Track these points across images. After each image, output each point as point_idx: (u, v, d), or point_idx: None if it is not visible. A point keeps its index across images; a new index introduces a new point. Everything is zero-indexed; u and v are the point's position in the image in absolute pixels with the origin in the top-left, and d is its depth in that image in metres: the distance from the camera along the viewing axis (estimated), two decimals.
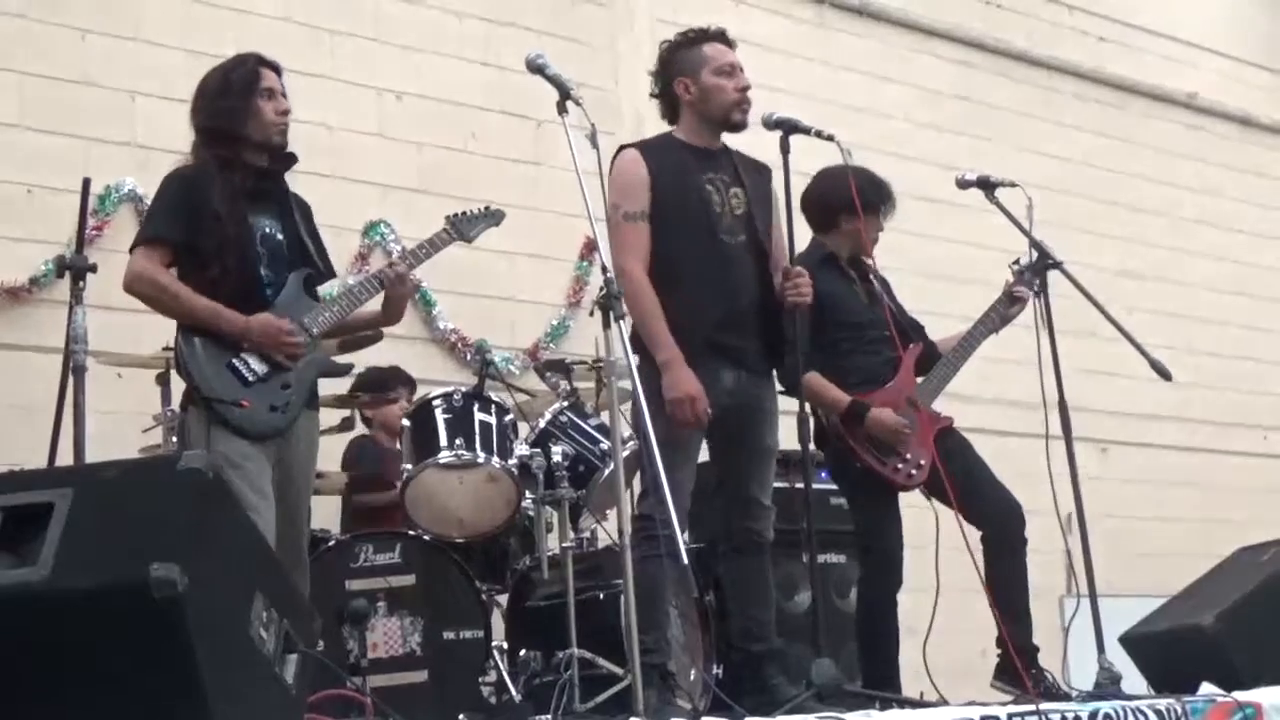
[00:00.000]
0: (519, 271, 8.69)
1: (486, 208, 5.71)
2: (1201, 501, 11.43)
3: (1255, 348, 12.54)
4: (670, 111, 5.45)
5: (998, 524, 5.70)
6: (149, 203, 5.32)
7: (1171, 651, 5.68)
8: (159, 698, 3.17)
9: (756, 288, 5.29)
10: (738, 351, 5.21)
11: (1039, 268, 5.92)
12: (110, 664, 3.16)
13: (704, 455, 5.41)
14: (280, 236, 5.05)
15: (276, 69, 5.09)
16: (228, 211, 4.84)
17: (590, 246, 8.46)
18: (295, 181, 5.25)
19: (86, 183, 5.32)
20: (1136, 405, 10.98)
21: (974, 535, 5.67)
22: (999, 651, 5.74)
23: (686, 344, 5.09)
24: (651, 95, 5.46)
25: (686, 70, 5.36)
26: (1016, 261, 6.17)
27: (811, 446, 5.35)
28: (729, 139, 5.49)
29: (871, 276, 5.97)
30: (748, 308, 5.25)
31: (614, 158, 5.15)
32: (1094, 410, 9.76)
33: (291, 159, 5.11)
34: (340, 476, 6.63)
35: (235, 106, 4.94)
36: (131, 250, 4.91)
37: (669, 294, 5.11)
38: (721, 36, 5.44)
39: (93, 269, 5.07)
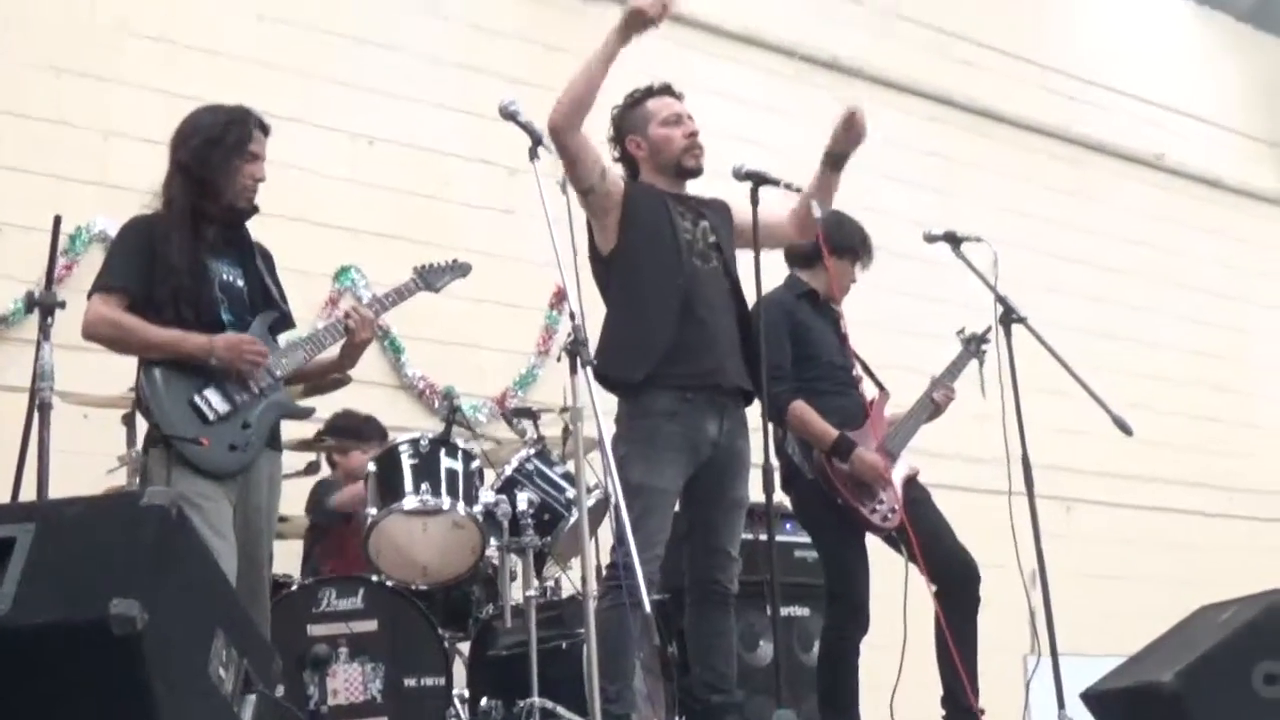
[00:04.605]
0: (488, 319, 8.69)
1: (454, 261, 5.75)
2: (1166, 561, 11.45)
3: (1221, 408, 12.63)
4: (630, 171, 5.52)
5: (953, 583, 5.72)
6: None
7: (1132, 708, 5.66)
8: None
9: (731, 312, 5.34)
10: (717, 379, 5.22)
11: (987, 334, 6.01)
12: (69, 700, 3.14)
13: None
14: (241, 283, 5.05)
15: (267, 131, 5.10)
16: (186, 263, 4.85)
17: (560, 295, 8.49)
18: (266, 224, 5.24)
19: (58, 220, 5.32)
20: (1102, 464, 11.02)
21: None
22: (944, 713, 5.76)
23: (672, 389, 5.13)
24: (614, 159, 5.51)
25: (635, 128, 5.48)
26: (962, 330, 6.24)
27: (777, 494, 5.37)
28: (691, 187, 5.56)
29: (841, 322, 6.03)
30: (722, 331, 5.28)
31: None
32: (1060, 468, 9.81)
33: (254, 208, 5.11)
34: (303, 521, 6.61)
35: (220, 161, 4.95)
36: (89, 297, 4.92)
37: (647, 322, 5.18)
38: (666, 90, 5.54)
39: (61, 305, 5.07)
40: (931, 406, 6.11)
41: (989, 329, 5.98)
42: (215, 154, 4.96)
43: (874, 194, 10.08)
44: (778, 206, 5.54)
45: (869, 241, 6.10)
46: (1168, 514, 11.81)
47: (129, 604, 3.07)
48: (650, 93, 5.51)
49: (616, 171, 5.40)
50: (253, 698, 3.52)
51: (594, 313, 5.10)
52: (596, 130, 5.35)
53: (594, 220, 5.33)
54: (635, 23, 5.16)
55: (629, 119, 5.49)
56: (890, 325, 9.48)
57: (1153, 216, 12.78)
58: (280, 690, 4.03)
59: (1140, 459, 10.96)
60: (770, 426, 5.38)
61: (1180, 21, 14.00)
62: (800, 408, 5.75)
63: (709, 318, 5.25)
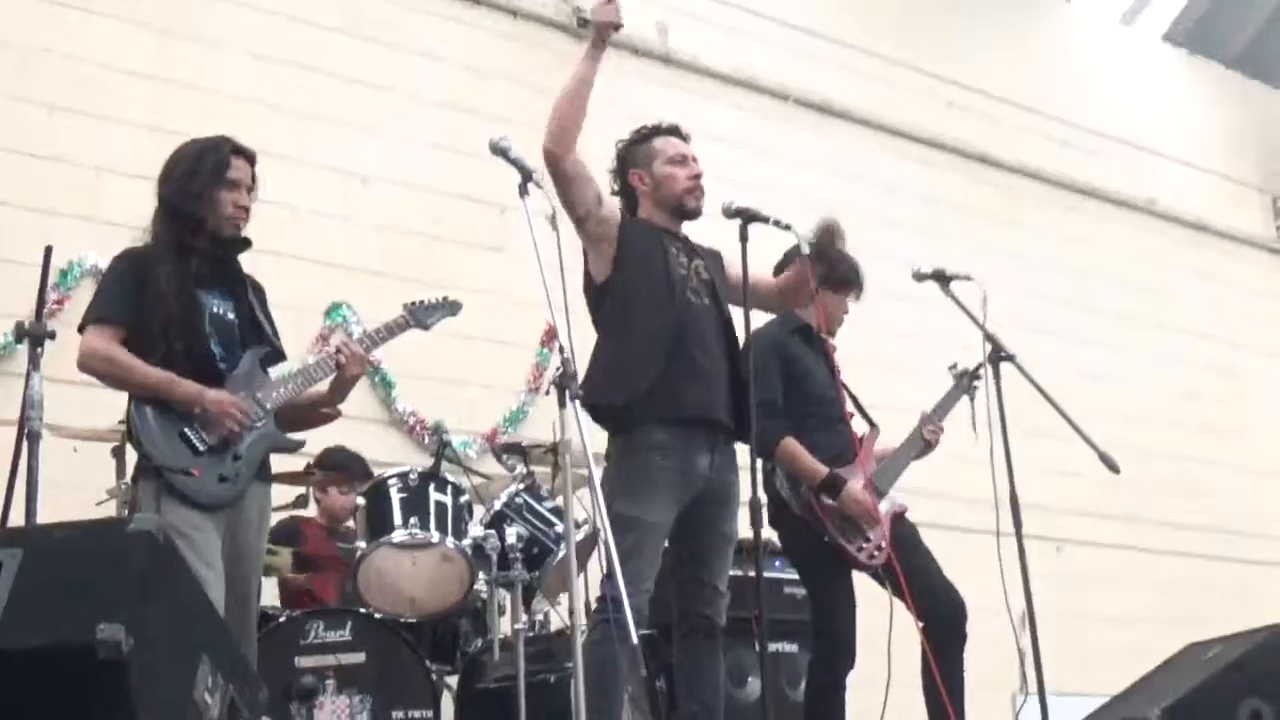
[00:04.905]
0: (479, 356, 8.71)
1: (445, 298, 5.74)
2: (1156, 602, 11.47)
3: (1210, 450, 12.66)
4: (629, 205, 5.54)
5: (940, 618, 5.74)
6: None
7: None
8: None
9: (722, 349, 5.35)
10: (702, 412, 5.24)
11: (980, 369, 6.02)
12: None
13: None
14: (231, 316, 5.06)
15: (250, 158, 5.11)
16: (175, 292, 4.86)
17: (551, 333, 8.51)
18: (258, 261, 5.26)
19: (48, 250, 5.35)
20: (1091, 505, 11.04)
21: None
22: None
23: (661, 423, 5.13)
24: (613, 192, 5.55)
25: (640, 163, 5.50)
26: (954, 365, 6.26)
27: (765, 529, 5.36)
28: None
29: (833, 355, 6.06)
30: (712, 365, 5.29)
31: None
32: (1049, 509, 9.81)
33: (246, 242, 5.13)
34: (289, 556, 6.59)
35: (198, 191, 4.96)
36: (81, 330, 4.94)
37: (637, 351, 5.18)
38: (674, 130, 5.57)
39: (51, 336, 5.09)
40: (921, 444, 6.12)
41: (980, 365, 5.99)
42: (194, 185, 4.97)
43: (865, 236, 10.05)
44: (767, 275, 5.63)
45: (861, 273, 6.13)
46: (1157, 555, 11.83)
47: (115, 628, 3.09)
48: (659, 131, 5.55)
49: (613, 202, 5.42)
50: None
51: (584, 349, 5.12)
52: (598, 160, 5.38)
53: (589, 247, 5.35)
54: (603, 32, 5.24)
55: (635, 153, 5.52)
56: (880, 364, 9.49)
57: (1143, 260, 12.85)
58: None
59: (1129, 500, 11.02)
60: (760, 461, 5.39)
61: (1171, 68, 14.11)
62: (790, 444, 5.76)
63: (699, 352, 5.26)
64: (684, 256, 5.41)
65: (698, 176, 5.48)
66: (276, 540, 6.62)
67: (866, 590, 5.92)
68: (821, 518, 5.76)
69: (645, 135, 5.55)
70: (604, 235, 5.30)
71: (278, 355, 5.22)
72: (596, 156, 5.46)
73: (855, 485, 5.79)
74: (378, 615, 5.80)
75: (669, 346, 5.19)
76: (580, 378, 4.74)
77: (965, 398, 6.18)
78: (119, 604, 3.16)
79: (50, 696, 3.15)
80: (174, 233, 4.97)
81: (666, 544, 5.25)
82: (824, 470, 5.77)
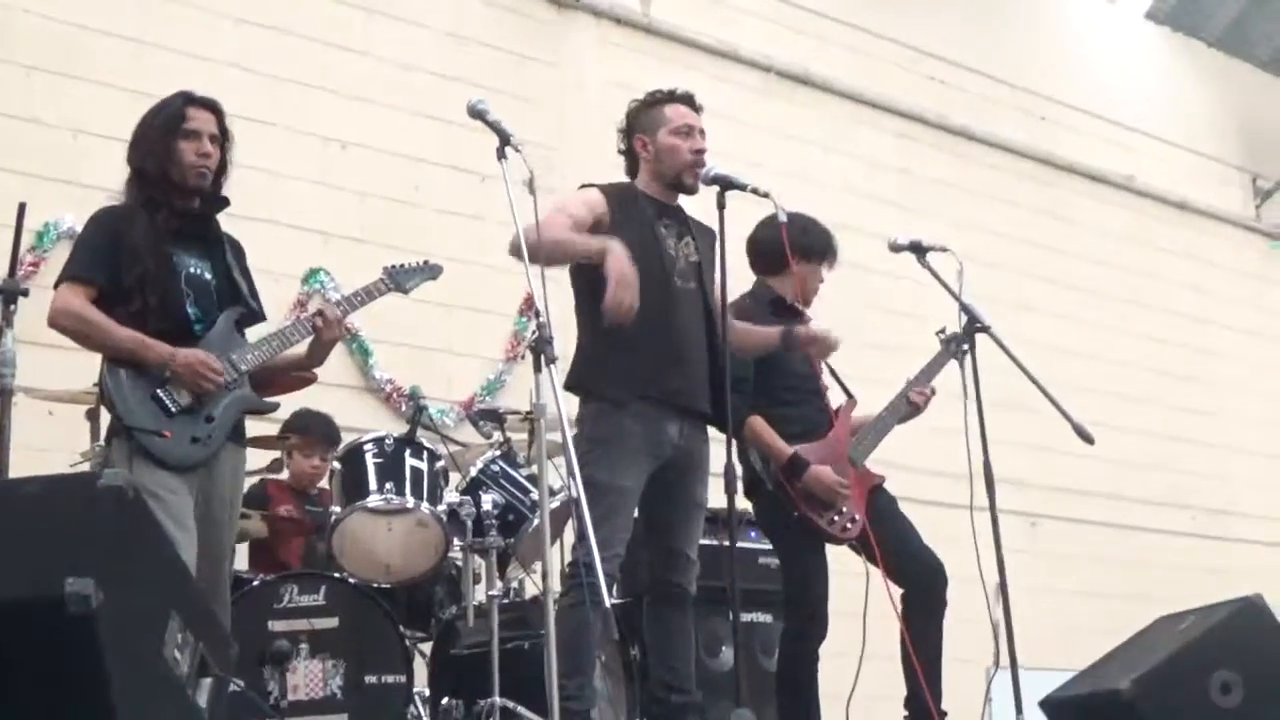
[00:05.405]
0: (457, 324, 8.72)
1: (425, 261, 5.72)
2: (1129, 579, 11.50)
3: (1185, 428, 12.70)
4: (631, 168, 5.53)
5: (919, 584, 5.76)
6: None
7: (1090, 715, 5.71)
8: (67, 715, 3.15)
9: (703, 334, 5.33)
10: (683, 400, 5.23)
11: (965, 337, 5.99)
12: (22, 677, 3.15)
13: None
14: (208, 276, 5.04)
15: (212, 108, 5.08)
16: (149, 249, 4.85)
17: (529, 302, 8.49)
18: (237, 225, 5.25)
19: (22, 207, 5.33)
20: (1068, 481, 11.07)
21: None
22: (906, 714, 5.77)
23: (635, 392, 5.14)
24: (619, 151, 5.52)
25: (646, 128, 5.47)
26: (943, 330, 6.24)
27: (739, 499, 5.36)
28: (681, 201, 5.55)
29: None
30: (694, 351, 5.29)
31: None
32: (1025, 484, 9.84)
33: (223, 201, 5.12)
34: (261, 521, 6.58)
35: (156, 148, 4.96)
36: (55, 287, 4.92)
37: (633, 344, 5.13)
38: (687, 100, 5.52)
39: (24, 293, 5.07)
40: (906, 409, 6.07)
41: (971, 322, 5.94)
42: (153, 143, 4.97)
43: (843, 209, 10.12)
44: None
45: (834, 242, 6.11)
46: (1131, 531, 11.86)
47: (84, 583, 3.08)
48: (671, 97, 5.50)
49: (586, 204, 5.30)
50: (209, 681, 3.53)
51: (561, 316, 5.09)
52: (576, 131, 5.34)
53: None
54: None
55: (643, 118, 5.48)
56: (858, 338, 9.48)
57: (1122, 237, 12.87)
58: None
59: (1105, 477, 11.04)
60: (733, 432, 5.37)
61: (1153, 46, 14.12)
62: (756, 423, 5.72)
63: (685, 340, 5.26)
64: (673, 237, 5.39)
65: (700, 151, 5.43)
66: (244, 504, 6.63)
67: (844, 562, 5.92)
68: (792, 494, 5.76)
69: (658, 100, 5.51)
70: (592, 231, 5.24)
71: (255, 316, 5.20)
72: (575, 127, 5.44)
73: (820, 467, 5.75)
74: (352, 580, 5.80)
75: (661, 337, 5.19)
76: (556, 346, 4.67)
77: (953, 362, 6.12)
78: (89, 559, 3.14)
79: (18, 650, 3.14)
80: (144, 192, 4.96)
81: (637, 513, 5.26)
82: (788, 451, 5.74)
